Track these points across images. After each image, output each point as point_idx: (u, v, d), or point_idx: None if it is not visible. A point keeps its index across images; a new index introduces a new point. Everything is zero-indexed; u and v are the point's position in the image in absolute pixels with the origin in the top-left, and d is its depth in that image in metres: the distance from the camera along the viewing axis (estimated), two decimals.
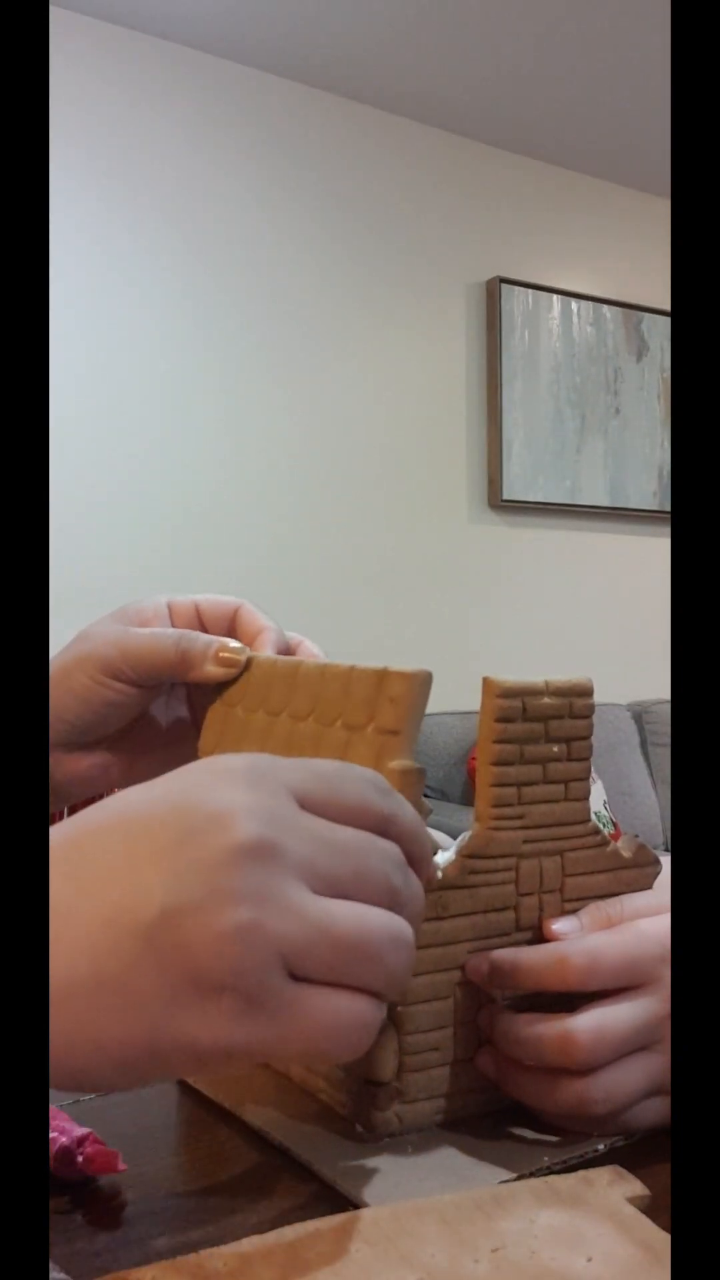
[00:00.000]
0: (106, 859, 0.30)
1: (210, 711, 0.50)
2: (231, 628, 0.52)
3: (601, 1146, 0.38)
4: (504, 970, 0.39)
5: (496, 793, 0.40)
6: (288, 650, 0.51)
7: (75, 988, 0.28)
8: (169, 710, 0.55)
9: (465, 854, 0.39)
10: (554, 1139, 0.39)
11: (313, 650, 0.52)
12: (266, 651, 0.49)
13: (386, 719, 0.39)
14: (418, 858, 0.33)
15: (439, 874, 0.39)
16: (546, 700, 0.40)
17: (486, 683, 0.40)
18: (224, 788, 0.30)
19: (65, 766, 0.52)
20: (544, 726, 0.40)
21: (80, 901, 0.29)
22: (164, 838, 0.29)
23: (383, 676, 0.40)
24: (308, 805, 0.31)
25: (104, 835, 0.30)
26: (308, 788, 0.31)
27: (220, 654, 0.48)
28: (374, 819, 0.32)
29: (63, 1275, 0.31)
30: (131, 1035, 0.28)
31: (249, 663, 0.49)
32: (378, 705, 0.39)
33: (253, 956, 0.28)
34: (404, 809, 0.33)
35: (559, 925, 0.41)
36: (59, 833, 0.31)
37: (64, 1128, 0.36)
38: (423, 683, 0.38)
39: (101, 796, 0.48)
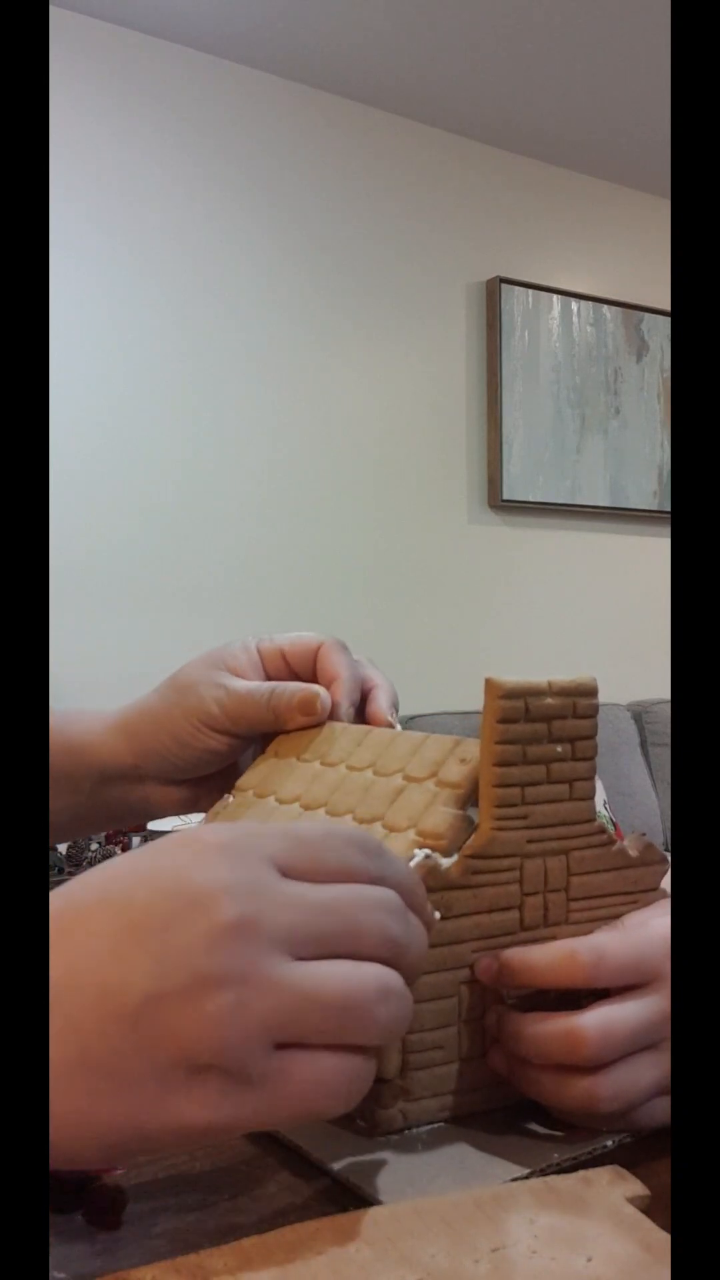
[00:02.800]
0: (92, 941, 0.30)
1: (261, 756, 0.54)
2: (313, 666, 0.55)
3: (610, 1143, 0.38)
4: (513, 968, 0.39)
5: (499, 793, 0.40)
6: (361, 690, 0.55)
7: (62, 1069, 0.29)
8: (258, 752, 0.59)
9: (468, 854, 0.40)
10: (563, 1135, 0.39)
11: (383, 703, 0.54)
12: (340, 699, 0.53)
13: (451, 774, 0.42)
14: (415, 907, 0.34)
15: (436, 914, 0.39)
16: (549, 700, 0.40)
17: (489, 683, 0.40)
18: (205, 867, 0.31)
19: (159, 795, 0.57)
20: (547, 727, 0.40)
21: (67, 983, 0.30)
22: (147, 922, 0.30)
23: (458, 742, 0.43)
24: (291, 873, 0.32)
25: (89, 915, 0.31)
26: (291, 856, 0.32)
27: (302, 702, 0.52)
28: (363, 878, 0.32)
29: (63, 1275, 0.31)
30: (119, 1117, 0.29)
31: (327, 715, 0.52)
32: (445, 763, 0.42)
33: (237, 1035, 0.28)
34: (393, 865, 0.33)
35: None
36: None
37: None
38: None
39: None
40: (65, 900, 0.31)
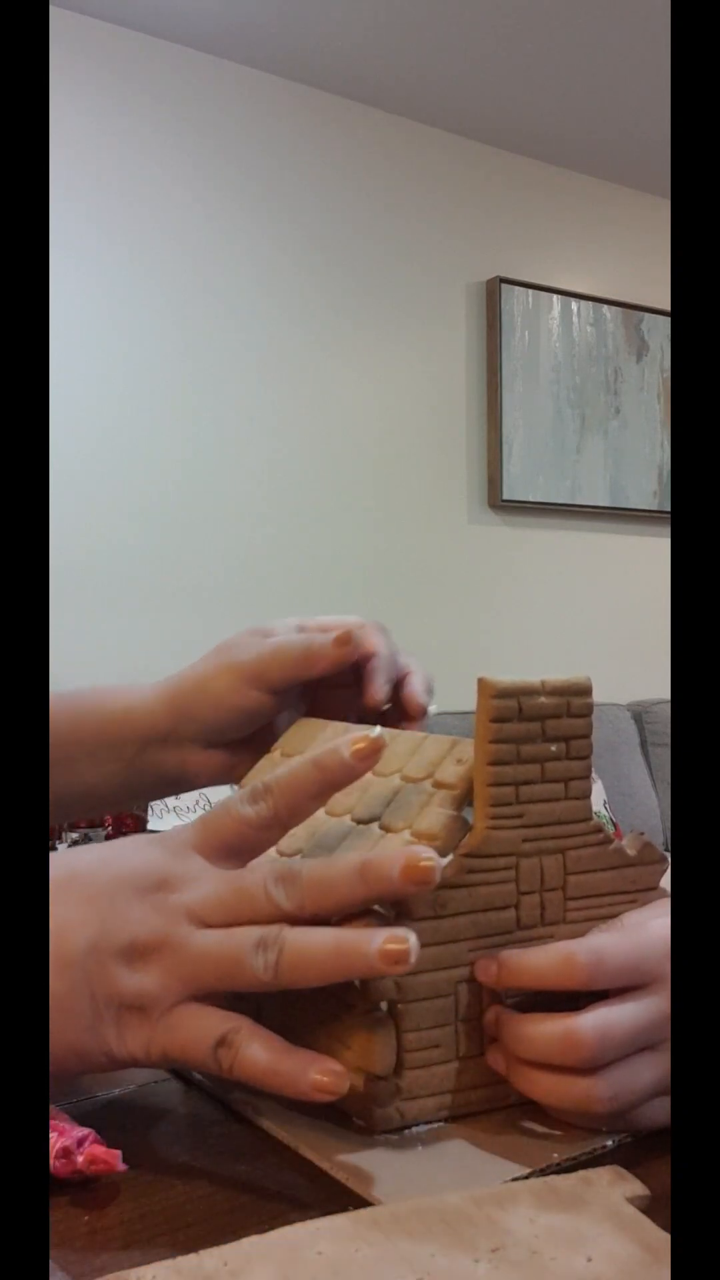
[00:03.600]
0: (60, 907, 0.37)
1: (265, 759, 0.54)
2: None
3: (610, 1143, 0.38)
4: (511, 970, 0.39)
5: (493, 792, 0.40)
6: (398, 676, 0.55)
7: None
8: (289, 722, 0.60)
9: (463, 853, 0.40)
10: (562, 1135, 0.39)
11: (418, 686, 0.55)
12: (377, 675, 0.53)
13: (447, 775, 0.42)
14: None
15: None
16: (543, 700, 0.40)
17: (481, 683, 0.40)
18: (143, 854, 0.39)
19: (195, 760, 0.58)
20: (541, 726, 0.40)
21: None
22: (99, 893, 0.38)
23: (455, 743, 0.43)
24: (205, 855, 0.39)
25: (62, 886, 0.38)
26: (201, 840, 0.39)
27: (338, 636, 0.53)
28: (257, 841, 0.39)
29: (63, 1275, 0.31)
30: (65, 1038, 0.36)
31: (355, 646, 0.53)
32: (442, 764, 0.42)
33: (153, 987, 0.36)
34: (277, 799, 0.39)
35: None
36: None
37: (64, 1128, 0.36)
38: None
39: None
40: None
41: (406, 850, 0.37)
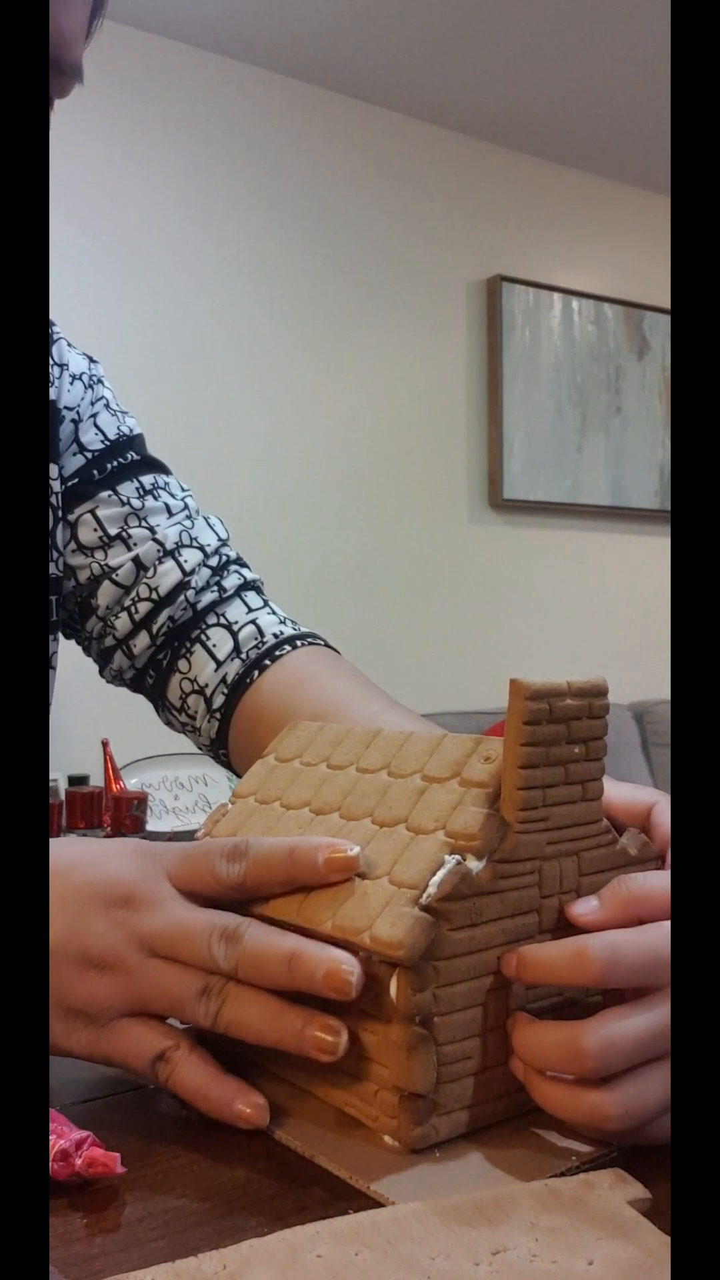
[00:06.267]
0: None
1: (259, 763, 0.52)
2: None
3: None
4: (528, 964, 0.39)
5: (524, 796, 0.39)
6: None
7: None
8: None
9: (497, 859, 0.39)
10: (579, 1144, 0.38)
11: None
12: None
13: (476, 773, 0.41)
14: (276, 881, 0.41)
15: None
16: (569, 701, 0.40)
17: (514, 685, 0.39)
18: (121, 867, 0.41)
19: None
20: (566, 728, 0.40)
21: None
22: (73, 897, 0.40)
23: (480, 741, 0.42)
24: (176, 883, 0.41)
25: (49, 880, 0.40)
26: (177, 869, 0.41)
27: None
28: (224, 886, 0.41)
29: (62, 1279, 0.31)
30: None
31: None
32: (468, 763, 0.41)
33: (99, 999, 0.39)
34: (248, 867, 0.41)
35: (578, 908, 0.40)
36: None
37: (63, 1130, 0.36)
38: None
39: None
40: None
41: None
